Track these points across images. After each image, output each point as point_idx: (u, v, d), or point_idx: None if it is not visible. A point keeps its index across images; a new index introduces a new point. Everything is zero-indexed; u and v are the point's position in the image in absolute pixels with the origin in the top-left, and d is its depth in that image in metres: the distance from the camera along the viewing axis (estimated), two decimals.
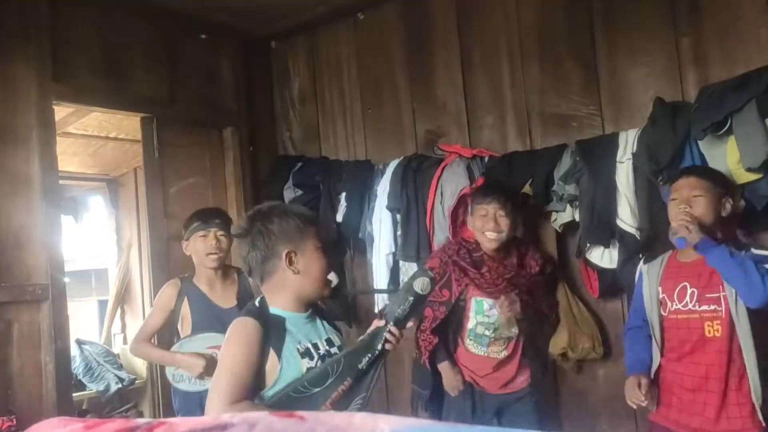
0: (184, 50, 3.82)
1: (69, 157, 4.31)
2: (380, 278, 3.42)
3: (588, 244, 2.87)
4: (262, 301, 1.85)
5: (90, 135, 4.18)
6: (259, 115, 4.18)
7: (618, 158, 2.83)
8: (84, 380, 4.30)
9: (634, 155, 2.78)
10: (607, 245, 2.82)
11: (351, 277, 3.82)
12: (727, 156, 2.52)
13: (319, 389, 1.70)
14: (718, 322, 2.21)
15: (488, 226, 2.71)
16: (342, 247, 3.73)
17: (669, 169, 2.67)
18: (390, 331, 1.77)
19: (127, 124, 3.95)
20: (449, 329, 2.83)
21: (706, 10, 2.82)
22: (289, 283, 1.81)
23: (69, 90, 3.27)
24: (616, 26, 3.05)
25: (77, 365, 4.30)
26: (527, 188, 3.04)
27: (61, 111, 3.42)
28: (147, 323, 2.94)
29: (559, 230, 3.03)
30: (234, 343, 1.74)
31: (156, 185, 3.68)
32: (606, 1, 3.08)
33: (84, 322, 5.59)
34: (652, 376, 2.38)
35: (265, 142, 4.17)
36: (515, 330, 2.78)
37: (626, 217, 2.77)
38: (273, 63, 4.29)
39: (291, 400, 1.68)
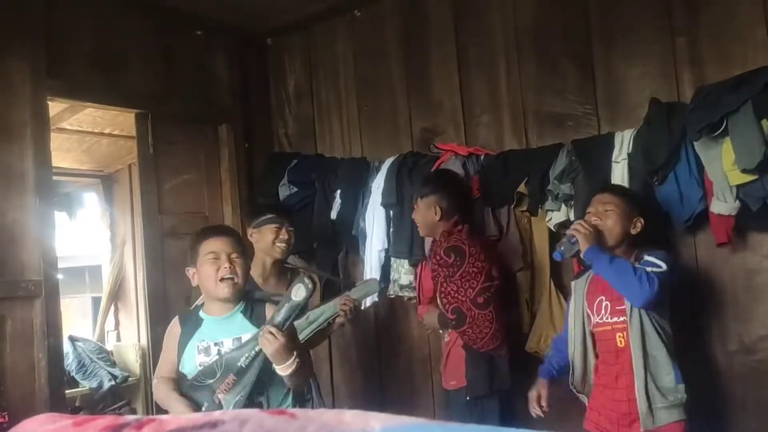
0: (180, 46, 3.80)
1: (63, 153, 4.29)
2: (372, 275, 3.41)
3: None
4: (200, 305, 2.29)
5: (84, 131, 4.16)
6: (254, 111, 4.16)
7: (613, 158, 2.83)
8: (77, 377, 4.28)
9: (630, 155, 2.78)
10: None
11: (345, 274, 3.81)
12: (722, 157, 2.52)
13: (211, 381, 2.09)
14: (626, 332, 2.32)
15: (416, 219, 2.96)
16: (336, 244, 3.72)
17: (664, 169, 2.68)
18: (268, 332, 1.99)
19: (122, 120, 3.93)
20: None
21: (702, 10, 2.82)
22: (202, 290, 2.24)
23: (63, 85, 3.25)
24: (612, 26, 3.05)
25: (70, 362, 4.28)
26: (522, 187, 3.04)
27: (55, 107, 3.41)
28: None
29: (554, 229, 3.03)
30: (165, 338, 2.31)
31: (150, 182, 3.67)
32: (602, 0, 3.08)
33: (77, 318, 5.57)
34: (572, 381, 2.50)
35: (261, 139, 4.16)
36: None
37: None
38: (269, 60, 4.28)
39: (194, 388, 2.13)
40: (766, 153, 2.37)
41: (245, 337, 2.12)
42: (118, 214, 4.78)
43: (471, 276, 2.73)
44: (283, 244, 2.89)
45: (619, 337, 2.34)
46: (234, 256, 2.16)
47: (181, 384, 2.18)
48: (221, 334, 2.16)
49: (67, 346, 4.20)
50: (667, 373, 2.28)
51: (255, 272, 2.87)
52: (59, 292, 3.13)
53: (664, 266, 2.28)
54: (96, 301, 5.20)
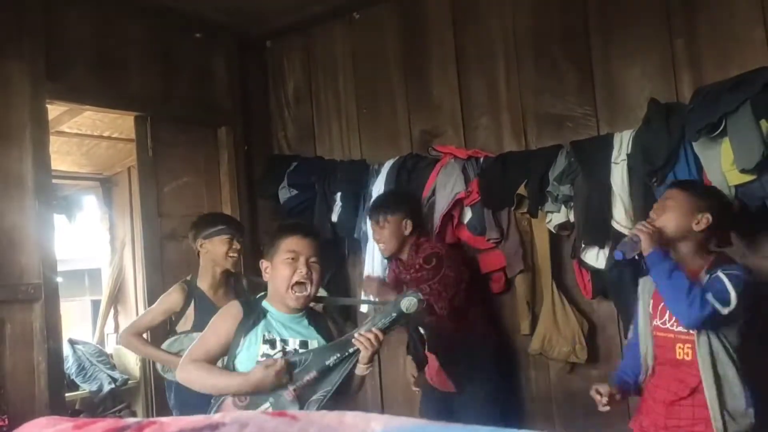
0: (179, 49, 3.81)
1: (62, 156, 4.29)
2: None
3: (583, 245, 2.87)
4: (263, 296, 2.18)
5: (84, 134, 4.16)
6: (253, 114, 4.16)
7: (613, 159, 2.83)
8: (77, 380, 4.28)
9: (629, 156, 2.78)
10: (602, 246, 2.82)
11: (345, 276, 3.81)
12: (721, 157, 2.53)
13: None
14: (689, 345, 2.17)
15: (376, 240, 3.05)
16: (337, 246, 3.72)
17: (663, 170, 2.68)
18: (362, 334, 2.00)
19: (121, 123, 3.94)
20: None
21: (700, 11, 2.83)
22: (270, 286, 2.15)
23: (63, 88, 3.25)
24: (610, 27, 3.05)
25: (70, 365, 4.28)
26: (522, 189, 3.04)
27: (54, 110, 3.41)
28: (143, 319, 3.01)
29: (553, 231, 3.03)
30: (215, 317, 2.16)
31: (150, 185, 3.67)
32: (601, 2, 3.08)
33: (77, 321, 5.57)
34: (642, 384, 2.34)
35: (260, 142, 4.16)
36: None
37: (621, 218, 2.77)
38: (268, 62, 4.28)
39: None
40: (765, 153, 2.37)
41: (311, 343, 2.08)
42: (118, 217, 4.78)
43: (450, 280, 2.84)
44: (235, 255, 2.95)
45: (679, 348, 2.19)
46: (312, 260, 2.08)
47: (232, 362, 2.07)
48: (287, 333, 2.09)
49: (66, 349, 4.20)
50: (737, 396, 2.11)
51: (204, 284, 2.96)
52: (59, 296, 3.13)
53: (730, 289, 2.08)
54: (96, 304, 5.20)
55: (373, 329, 2.01)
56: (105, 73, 3.44)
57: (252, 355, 2.04)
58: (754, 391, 2.14)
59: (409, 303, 2.04)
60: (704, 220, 2.24)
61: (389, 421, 0.66)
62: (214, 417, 0.72)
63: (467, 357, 2.91)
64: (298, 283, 2.05)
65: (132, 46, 3.58)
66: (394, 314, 2.04)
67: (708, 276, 2.17)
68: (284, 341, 2.07)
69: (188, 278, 3.00)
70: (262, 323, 2.08)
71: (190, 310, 2.93)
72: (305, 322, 2.13)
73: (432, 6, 3.60)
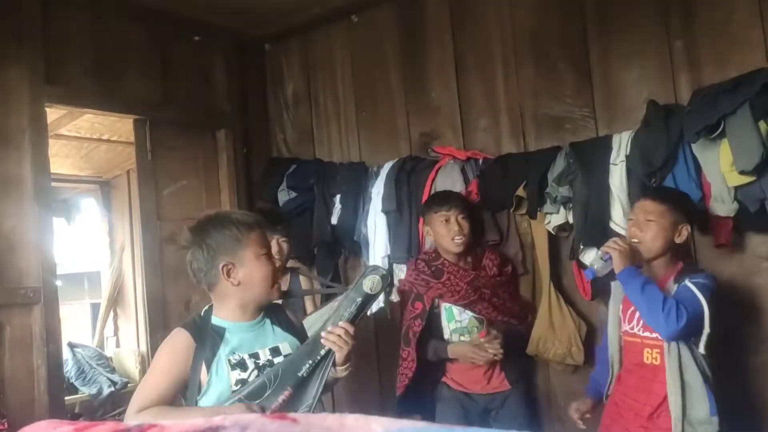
0: (178, 52, 3.81)
1: (61, 159, 4.29)
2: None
3: (582, 246, 2.87)
4: (208, 311, 1.87)
5: (82, 137, 4.17)
6: (252, 117, 4.17)
7: (611, 160, 2.83)
8: (76, 384, 4.28)
9: (628, 157, 2.79)
10: (600, 247, 2.82)
11: (345, 278, 3.81)
12: (720, 159, 2.53)
13: (259, 400, 1.71)
14: (657, 350, 2.21)
15: (454, 230, 2.81)
16: (336, 249, 3.72)
17: (662, 171, 2.68)
18: (330, 332, 1.75)
19: (120, 126, 3.94)
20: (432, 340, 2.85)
21: (699, 12, 2.83)
22: (231, 293, 1.82)
23: (62, 92, 3.25)
24: (609, 29, 3.05)
25: (69, 368, 4.28)
26: (521, 190, 3.04)
27: (53, 113, 3.41)
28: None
29: (552, 232, 3.03)
30: (161, 353, 1.82)
31: (149, 187, 3.67)
32: (599, 3, 3.09)
33: (76, 325, 5.56)
34: (608, 390, 2.42)
35: (259, 145, 4.17)
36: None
37: (619, 220, 2.77)
38: (267, 65, 4.28)
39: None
40: (764, 154, 2.38)
41: (283, 347, 1.84)
42: (117, 220, 4.79)
43: (515, 286, 3.00)
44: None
45: (647, 353, 2.23)
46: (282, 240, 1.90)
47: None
48: (254, 345, 1.82)
49: (66, 353, 4.20)
50: (701, 402, 2.13)
51: None
52: (58, 299, 3.13)
53: (701, 300, 2.13)
54: (95, 308, 5.19)
55: (341, 323, 1.78)
56: (104, 76, 3.44)
57: (223, 389, 1.75)
58: (721, 400, 2.15)
59: (372, 282, 1.80)
60: (684, 231, 2.30)
61: (390, 423, 0.66)
62: (215, 420, 0.72)
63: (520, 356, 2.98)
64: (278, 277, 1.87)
65: (131, 49, 3.58)
66: (359, 299, 1.80)
67: (676, 285, 2.22)
68: (254, 356, 1.80)
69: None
70: (221, 346, 1.78)
71: None
72: (267, 323, 1.89)
73: (430, 8, 3.60)
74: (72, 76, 3.31)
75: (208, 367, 1.76)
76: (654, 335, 2.21)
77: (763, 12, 2.68)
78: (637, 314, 2.27)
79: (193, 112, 3.88)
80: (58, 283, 3.17)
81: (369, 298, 1.81)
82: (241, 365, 1.78)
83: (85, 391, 4.24)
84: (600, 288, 2.93)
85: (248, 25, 3.97)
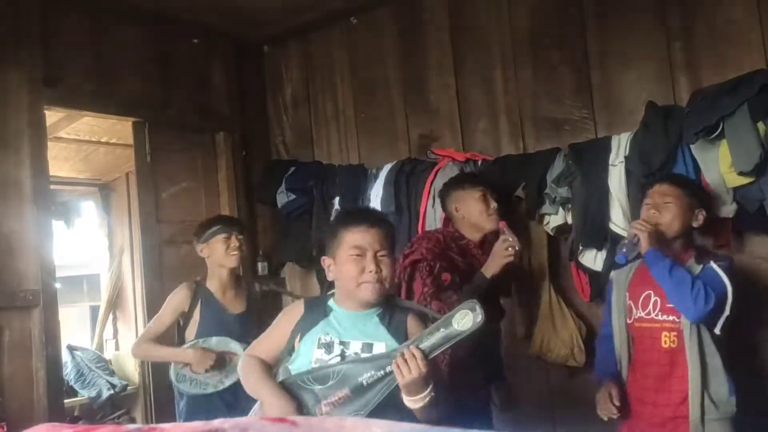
0: (177, 55, 3.81)
1: (60, 162, 4.29)
2: None
3: (581, 247, 2.87)
4: (333, 292, 1.96)
5: (81, 140, 4.16)
6: (251, 119, 4.17)
7: (610, 161, 2.84)
8: (75, 386, 4.27)
9: (627, 159, 2.79)
10: (600, 248, 2.83)
11: None
12: (719, 160, 2.53)
13: (320, 387, 1.72)
14: (675, 333, 2.21)
15: (493, 206, 2.65)
16: None
17: (661, 172, 2.68)
18: (403, 354, 1.63)
19: (119, 128, 3.94)
20: None
21: (698, 14, 2.84)
22: (336, 284, 1.92)
23: (60, 94, 3.25)
24: (608, 31, 3.06)
25: (69, 371, 4.27)
26: (520, 191, 3.04)
27: (52, 116, 3.41)
28: (155, 324, 2.92)
29: (551, 233, 3.03)
30: (280, 315, 1.98)
31: (148, 190, 3.67)
32: (598, 5, 3.09)
33: (75, 327, 5.55)
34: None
35: (258, 147, 4.17)
36: None
37: (618, 220, 2.78)
38: (266, 67, 4.29)
39: (297, 387, 1.76)
40: (762, 155, 2.38)
41: (378, 346, 1.78)
42: (116, 222, 4.78)
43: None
44: (236, 252, 2.91)
45: (665, 336, 2.22)
46: (381, 254, 1.80)
47: (281, 375, 1.84)
48: (350, 334, 1.81)
49: (65, 356, 4.19)
50: (721, 384, 2.16)
51: (212, 286, 2.93)
52: (57, 302, 3.13)
53: (726, 283, 2.15)
54: (94, 310, 5.18)
55: (411, 347, 1.63)
56: (103, 79, 3.44)
57: (303, 363, 1.80)
58: (737, 383, 2.18)
59: (462, 317, 1.61)
60: (701, 216, 2.30)
61: (391, 426, 0.66)
62: (214, 422, 0.72)
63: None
64: (367, 282, 1.79)
65: (129, 52, 3.58)
66: (443, 331, 1.63)
67: (700, 267, 2.22)
68: (344, 344, 1.79)
69: (198, 278, 2.97)
70: (320, 324, 1.84)
71: (196, 315, 2.87)
72: (376, 320, 1.84)
73: (429, 10, 3.61)
74: (71, 78, 3.31)
75: (301, 338, 1.84)
76: (672, 318, 2.21)
77: (762, 14, 2.69)
78: (653, 299, 2.25)
79: (192, 114, 3.88)
80: (58, 285, 3.17)
81: (454, 334, 1.63)
82: (328, 347, 1.81)
83: (85, 394, 4.23)
84: (598, 290, 2.93)
85: (247, 27, 3.97)
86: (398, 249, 3.27)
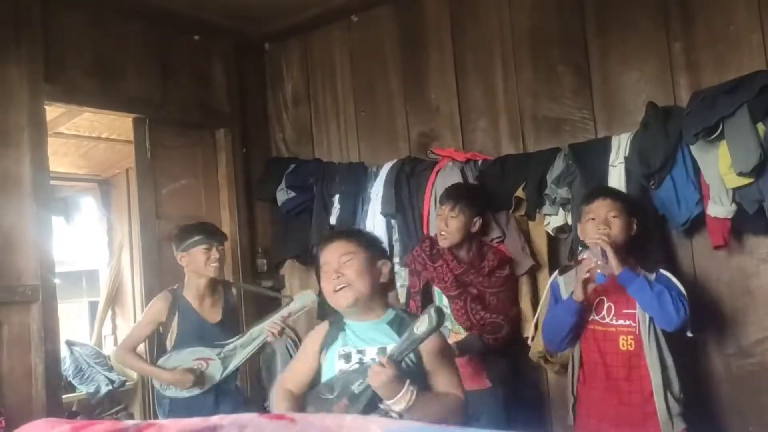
0: (177, 51, 3.81)
1: (60, 158, 4.28)
2: None
3: (581, 248, 2.86)
4: None
5: (81, 135, 4.16)
6: (252, 116, 4.17)
7: (610, 162, 2.84)
8: (74, 382, 4.27)
9: (627, 159, 2.79)
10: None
11: None
12: (718, 160, 2.54)
13: (331, 397, 1.82)
14: (632, 337, 2.33)
15: (440, 227, 2.87)
16: None
17: (661, 173, 2.69)
18: (379, 362, 1.72)
19: (119, 124, 3.93)
20: None
21: (698, 15, 2.84)
22: None
23: (61, 90, 3.26)
24: (608, 31, 3.06)
25: (67, 367, 4.26)
26: (520, 192, 3.04)
27: (52, 111, 3.41)
28: (134, 333, 3.00)
29: (552, 234, 3.03)
30: (307, 338, 2.05)
31: (148, 186, 3.67)
32: (598, 5, 3.09)
33: (74, 323, 5.55)
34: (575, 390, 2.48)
35: (258, 144, 4.17)
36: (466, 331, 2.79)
37: None
38: (266, 65, 4.28)
39: (316, 399, 1.87)
40: (762, 156, 2.39)
41: (391, 349, 1.83)
42: (116, 218, 4.78)
43: (515, 292, 2.92)
44: (216, 264, 2.92)
45: (623, 340, 2.34)
46: (344, 259, 1.86)
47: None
48: (364, 342, 1.89)
49: (64, 351, 4.18)
50: (677, 382, 2.32)
51: (190, 294, 2.95)
52: (56, 297, 3.13)
53: (680, 285, 2.31)
54: (93, 306, 5.18)
55: (380, 357, 1.74)
56: (103, 75, 3.44)
57: (329, 375, 1.88)
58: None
59: (420, 323, 1.71)
60: (634, 225, 2.43)
61: (388, 423, 0.66)
62: (213, 419, 0.73)
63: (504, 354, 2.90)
64: (336, 291, 1.86)
65: (130, 48, 3.58)
66: (408, 340, 1.74)
67: (654, 275, 2.34)
68: (361, 352, 1.87)
69: (175, 287, 2.99)
70: (339, 338, 1.92)
71: (174, 325, 2.91)
72: (386, 328, 1.91)
73: (430, 9, 3.61)
74: (71, 74, 3.32)
75: (326, 353, 1.92)
76: (628, 322, 2.33)
77: (763, 15, 2.69)
78: (607, 304, 2.37)
79: (193, 111, 3.88)
80: (57, 281, 3.18)
81: (415, 338, 1.73)
82: (347, 357, 1.89)
83: (83, 390, 4.23)
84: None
85: (248, 24, 3.97)
86: (400, 250, 3.32)
